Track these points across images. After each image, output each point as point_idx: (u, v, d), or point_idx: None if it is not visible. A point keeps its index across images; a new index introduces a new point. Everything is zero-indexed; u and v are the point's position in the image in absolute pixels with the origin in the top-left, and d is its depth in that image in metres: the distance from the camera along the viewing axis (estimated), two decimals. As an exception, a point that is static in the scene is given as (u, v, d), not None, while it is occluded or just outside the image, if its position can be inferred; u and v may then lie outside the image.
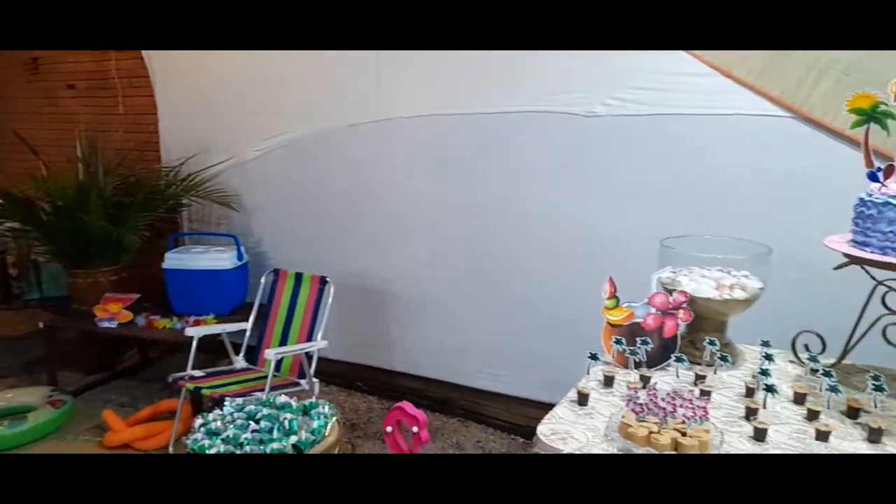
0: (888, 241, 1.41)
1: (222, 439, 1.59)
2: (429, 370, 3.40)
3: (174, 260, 3.45)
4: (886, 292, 1.57)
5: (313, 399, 1.84)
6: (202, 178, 3.66)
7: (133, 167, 3.78)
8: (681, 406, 1.31)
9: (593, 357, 1.52)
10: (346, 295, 3.40)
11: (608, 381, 1.60)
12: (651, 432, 1.28)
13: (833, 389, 1.38)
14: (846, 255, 1.51)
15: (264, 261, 3.65)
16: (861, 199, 1.49)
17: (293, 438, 1.60)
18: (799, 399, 1.50)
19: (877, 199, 1.44)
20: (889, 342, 1.58)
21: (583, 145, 2.73)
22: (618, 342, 1.63)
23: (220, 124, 3.71)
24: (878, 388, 1.38)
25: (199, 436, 1.61)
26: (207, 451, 1.55)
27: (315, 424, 1.67)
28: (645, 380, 1.58)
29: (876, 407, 1.41)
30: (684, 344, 1.78)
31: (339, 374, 3.57)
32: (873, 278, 1.52)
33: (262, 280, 3.23)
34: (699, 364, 1.68)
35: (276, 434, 1.62)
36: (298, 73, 3.35)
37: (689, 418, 1.29)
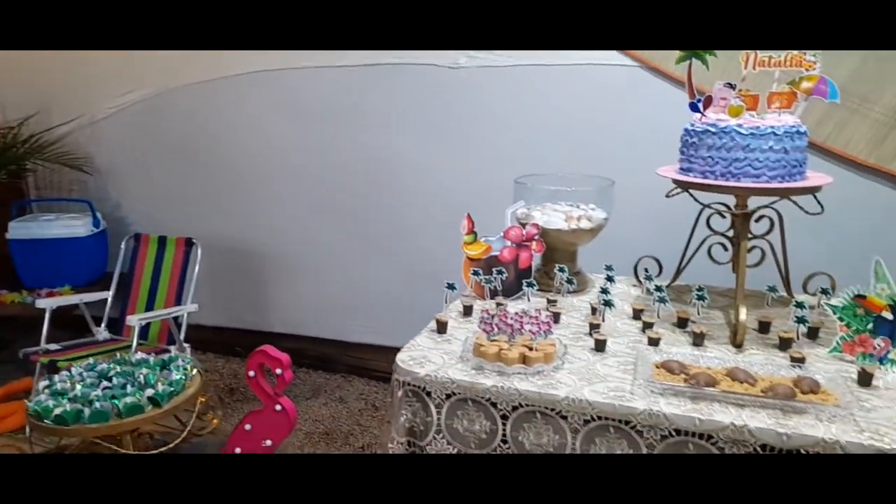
0: (707, 166, 1.55)
1: (69, 398, 1.50)
2: (308, 329, 3.37)
3: (20, 229, 3.16)
4: (711, 215, 1.73)
5: (173, 354, 1.78)
6: (47, 139, 3.35)
7: (-37, 129, 3.40)
8: (527, 323, 1.39)
9: (450, 287, 1.57)
10: (218, 258, 3.28)
11: (467, 311, 1.66)
12: (501, 349, 1.36)
13: (661, 300, 1.52)
14: (674, 182, 1.65)
15: (124, 227, 3.43)
16: (685, 129, 1.62)
17: (149, 392, 1.54)
18: (636, 315, 1.64)
19: (697, 127, 1.57)
20: (713, 259, 1.75)
21: (447, 96, 2.78)
22: (475, 273, 1.69)
23: (63, 80, 3.40)
24: (701, 297, 1.53)
25: (42, 397, 1.51)
26: (52, 411, 1.46)
27: (174, 377, 1.61)
28: (501, 307, 1.66)
29: (699, 314, 1.57)
30: (539, 274, 1.88)
31: (216, 341, 3.46)
32: (698, 202, 1.67)
33: (122, 246, 3.04)
34: (551, 291, 1.78)
35: (129, 389, 1.55)
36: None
37: (535, 333, 1.37)
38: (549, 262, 1.88)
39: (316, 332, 3.37)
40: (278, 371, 1.50)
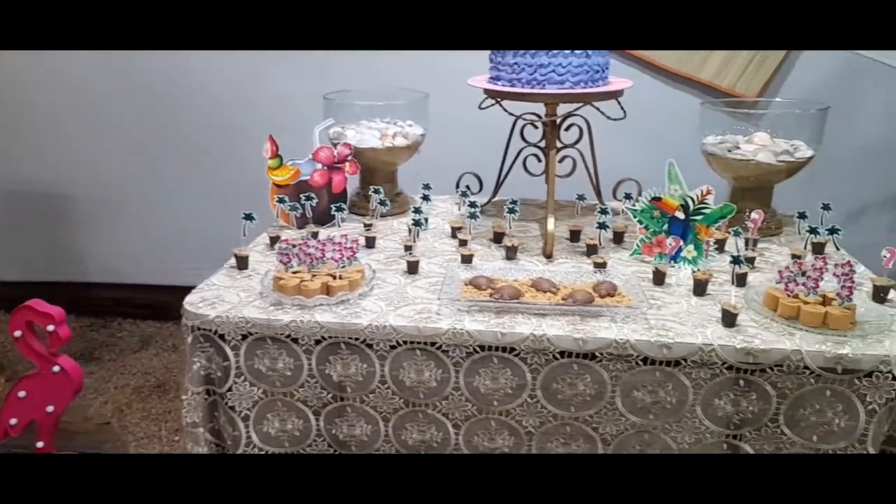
0: (514, 74, 1.49)
1: None
2: (132, 276, 3.07)
3: None
4: (524, 126, 1.70)
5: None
6: None
7: None
8: (330, 250, 1.28)
9: (247, 217, 1.42)
10: (11, 204, 2.86)
11: (274, 243, 1.53)
12: (302, 281, 1.25)
13: (472, 216, 1.48)
14: (485, 92, 1.58)
15: None
16: (493, 36, 1.55)
17: None
18: (454, 233, 1.59)
19: (503, 33, 1.50)
20: (528, 171, 1.74)
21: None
22: (280, 201, 1.55)
23: None
24: (512, 211, 1.51)
25: None
26: None
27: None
28: (314, 236, 1.55)
29: (510, 228, 1.55)
30: (358, 198, 1.78)
31: (18, 298, 3.04)
32: (509, 113, 1.62)
33: None
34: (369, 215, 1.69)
35: None
36: None
37: (337, 260, 1.27)
38: (367, 185, 1.78)
39: (142, 278, 3.07)
40: (50, 328, 1.30)
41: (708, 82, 2.39)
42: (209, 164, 2.79)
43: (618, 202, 1.77)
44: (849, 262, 1.14)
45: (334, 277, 1.27)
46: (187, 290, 1.51)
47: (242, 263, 1.41)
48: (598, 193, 1.77)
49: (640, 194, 1.74)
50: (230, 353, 1.22)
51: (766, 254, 1.51)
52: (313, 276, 1.27)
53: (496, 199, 1.84)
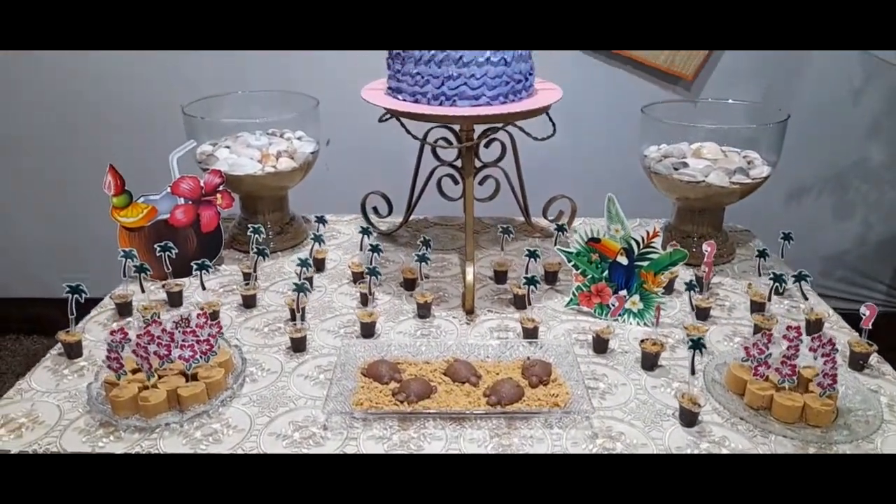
0: (418, 87, 1.19)
1: None
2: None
3: None
4: (437, 140, 1.40)
5: None
6: None
7: None
8: (179, 345, 0.97)
9: (74, 290, 1.07)
10: None
11: (123, 311, 1.20)
12: (142, 388, 0.95)
13: (372, 272, 1.18)
14: (386, 110, 1.27)
15: None
16: (390, 35, 1.23)
17: None
18: (356, 279, 1.31)
19: (403, 33, 1.18)
20: (444, 195, 1.45)
21: None
22: (127, 255, 1.21)
23: None
24: (423, 259, 1.23)
25: None
26: None
27: None
28: (174, 298, 1.23)
29: (422, 279, 1.27)
30: (238, 231, 1.46)
31: None
32: (411, 135, 1.30)
33: None
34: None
35: None
36: None
37: (188, 360, 0.97)
38: (252, 215, 1.46)
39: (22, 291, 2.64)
40: None
41: (642, 59, 2.13)
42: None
43: (548, 222, 1.53)
44: (831, 339, 0.93)
45: (187, 378, 0.97)
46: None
47: (72, 351, 1.08)
48: (527, 216, 1.51)
49: (573, 214, 1.50)
50: None
51: (719, 292, 1.29)
52: (159, 377, 0.97)
53: (412, 217, 1.57)
